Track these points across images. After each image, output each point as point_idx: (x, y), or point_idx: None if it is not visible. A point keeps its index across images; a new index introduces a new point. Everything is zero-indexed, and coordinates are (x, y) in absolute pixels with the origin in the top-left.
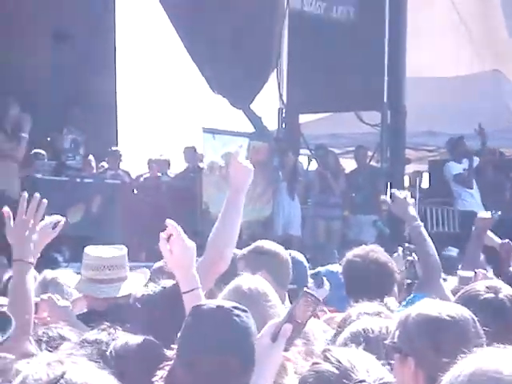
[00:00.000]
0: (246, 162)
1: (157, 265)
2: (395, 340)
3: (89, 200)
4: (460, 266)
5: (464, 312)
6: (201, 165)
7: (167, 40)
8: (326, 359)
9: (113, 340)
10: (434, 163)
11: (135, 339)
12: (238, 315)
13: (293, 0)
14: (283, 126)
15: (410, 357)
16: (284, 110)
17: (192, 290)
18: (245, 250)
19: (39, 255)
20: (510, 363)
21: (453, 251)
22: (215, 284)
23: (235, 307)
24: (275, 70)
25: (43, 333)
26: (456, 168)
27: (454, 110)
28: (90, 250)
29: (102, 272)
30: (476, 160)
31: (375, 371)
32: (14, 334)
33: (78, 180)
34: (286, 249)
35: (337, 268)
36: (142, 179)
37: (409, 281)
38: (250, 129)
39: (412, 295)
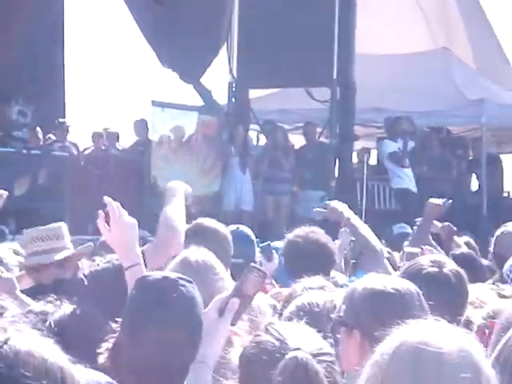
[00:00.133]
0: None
1: (103, 238)
2: (341, 314)
3: (35, 172)
4: (406, 244)
5: (409, 285)
6: (151, 138)
7: (117, 13)
8: (267, 331)
9: (58, 310)
10: (382, 140)
11: (75, 310)
12: (183, 285)
13: None
14: (233, 100)
15: (355, 329)
16: (234, 85)
17: (133, 266)
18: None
19: None
20: (436, 336)
21: (406, 228)
22: None
23: (180, 278)
24: (225, 43)
25: None
26: (391, 146)
27: (402, 87)
28: (26, 230)
29: (35, 244)
30: (411, 143)
31: (314, 342)
32: None
33: (25, 151)
34: (238, 224)
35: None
36: (88, 151)
37: (353, 261)
38: (200, 103)
39: (353, 278)
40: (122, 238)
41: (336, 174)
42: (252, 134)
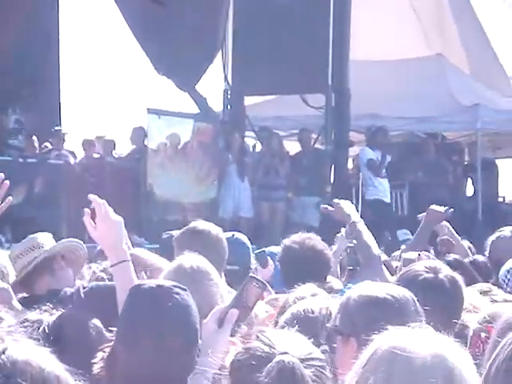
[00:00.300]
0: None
1: (100, 247)
2: (337, 323)
3: (32, 180)
4: (403, 249)
5: (403, 292)
6: (148, 145)
7: (112, 20)
8: (257, 338)
9: (54, 319)
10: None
11: (71, 318)
12: (178, 293)
13: None
14: (228, 107)
15: (352, 337)
16: (229, 92)
17: (121, 263)
18: (178, 232)
19: None
20: (412, 341)
21: (408, 234)
22: None
23: (175, 286)
24: (220, 51)
25: None
26: (370, 154)
27: (397, 93)
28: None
29: (21, 260)
30: (388, 157)
31: (303, 348)
32: None
33: (21, 160)
34: (235, 231)
35: (277, 249)
36: (84, 160)
37: (350, 267)
38: (195, 110)
39: (349, 285)
40: (109, 234)
41: (331, 180)
42: (249, 141)
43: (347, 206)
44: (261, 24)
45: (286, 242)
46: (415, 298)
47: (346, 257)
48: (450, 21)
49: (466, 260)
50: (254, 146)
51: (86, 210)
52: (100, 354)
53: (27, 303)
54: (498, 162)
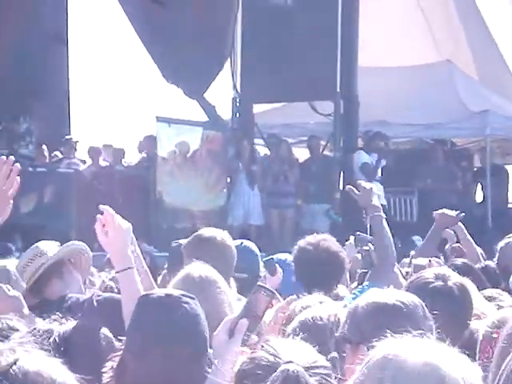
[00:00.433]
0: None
1: (109, 255)
2: (345, 331)
3: (41, 189)
4: (413, 255)
5: (412, 298)
6: (157, 153)
7: (121, 29)
8: (262, 348)
9: (64, 329)
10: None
11: (82, 327)
12: (186, 302)
13: None
14: (237, 115)
15: (361, 345)
16: (238, 100)
17: (125, 270)
18: (186, 240)
19: None
20: (406, 349)
21: (420, 240)
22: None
23: (183, 295)
24: (229, 59)
25: None
26: (365, 158)
27: (406, 99)
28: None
29: (28, 269)
30: (383, 161)
31: (308, 356)
32: None
33: (31, 169)
34: (245, 238)
35: (285, 256)
36: (94, 168)
37: (364, 270)
38: (204, 118)
39: (366, 283)
40: (117, 240)
41: (340, 187)
42: (261, 149)
43: (375, 194)
44: (269, 32)
45: (301, 243)
46: (424, 304)
47: (362, 260)
48: (458, 26)
49: (477, 266)
50: (265, 154)
51: (99, 216)
52: (109, 364)
53: (38, 309)
54: (507, 167)
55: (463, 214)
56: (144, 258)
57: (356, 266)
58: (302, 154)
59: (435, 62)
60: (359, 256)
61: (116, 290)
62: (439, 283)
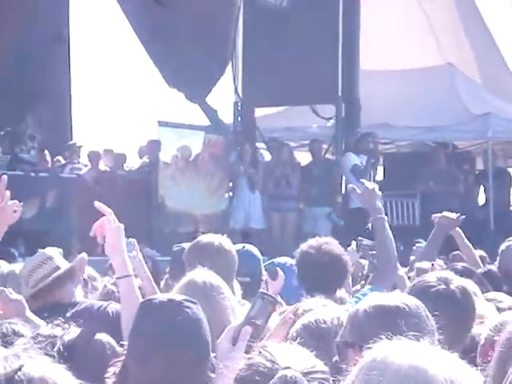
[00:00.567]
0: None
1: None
2: (347, 335)
3: (44, 194)
4: (414, 258)
5: (412, 301)
6: (161, 158)
7: (122, 34)
8: (260, 354)
9: (67, 334)
10: (388, 156)
11: (85, 333)
12: (188, 307)
13: None
14: (239, 119)
15: (363, 348)
16: (239, 104)
17: (127, 276)
18: (186, 248)
19: None
20: (396, 351)
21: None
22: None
23: (185, 299)
24: (230, 63)
25: None
26: (354, 160)
27: (408, 103)
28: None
29: (35, 274)
30: (372, 161)
31: (306, 361)
32: None
33: (33, 174)
34: (246, 242)
35: (285, 260)
36: (96, 173)
37: (370, 274)
38: (206, 122)
39: (369, 287)
40: (117, 244)
41: (342, 191)
42: (265, 153)
43: (379, 195)
44: (270, 36)
45: (303, 246)
46: (424, 307)
47: (369, 264)
48: (461, 29)
49: (480, 270)
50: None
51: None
52: (112, 369)
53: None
54: (509, 170)
55: (464, 216)
56: (146, 263)
57: (358, 270)
58: (303, 157)
59: (437, 65)
60: (363, 261)
61: (117, 295)
62: (442, 287)
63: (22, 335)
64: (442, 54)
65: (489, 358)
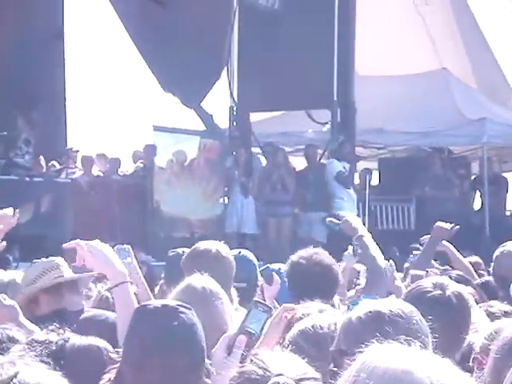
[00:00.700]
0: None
1: None
2: (341, 344)
3: (38, 199)
4: (408, 266)
5: (406, 307)
6: (156, 162)
7: (117, 39)
8: (251, 361)
9: (62, 340)
10: (383, 161)
11: (84, 341)
12: (183, 313)
13: None
14: (234, 124)
15: (357, 355)
16: (235, 109)
17: (121, 284)
18: (184, 251)
19: None
20: (388, 356)
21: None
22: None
23: (180, 305)
24: (225, 68)
25: None
26: (338, 166)
27: (403, 108)
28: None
29: (42, 279)
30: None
31: (297, 368)
32: None
33: (28, 179)
34: (242, 247)
35: (279, 266)
36: (90, 178)
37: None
38: (201, 127)
39: (362, 296)
40: (98, 264)
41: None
42: (262, 158)
43: (354, 220)
44: (265, 40)
45: (293, 257)
46: (419, 313)
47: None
48: (456, 34)
49: (477, 281)
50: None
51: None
52: (107, 376)
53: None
54: (504, 175)
55: (458, 226)
56: (141, 268)
57: (353, 276)
58: (298, 162)
59: (432, 70)
60: (358, 267)
61: (111, 301)
62: (437, 292)
63: (17, 341)
64: (438, 59)
65: (484, 366)
